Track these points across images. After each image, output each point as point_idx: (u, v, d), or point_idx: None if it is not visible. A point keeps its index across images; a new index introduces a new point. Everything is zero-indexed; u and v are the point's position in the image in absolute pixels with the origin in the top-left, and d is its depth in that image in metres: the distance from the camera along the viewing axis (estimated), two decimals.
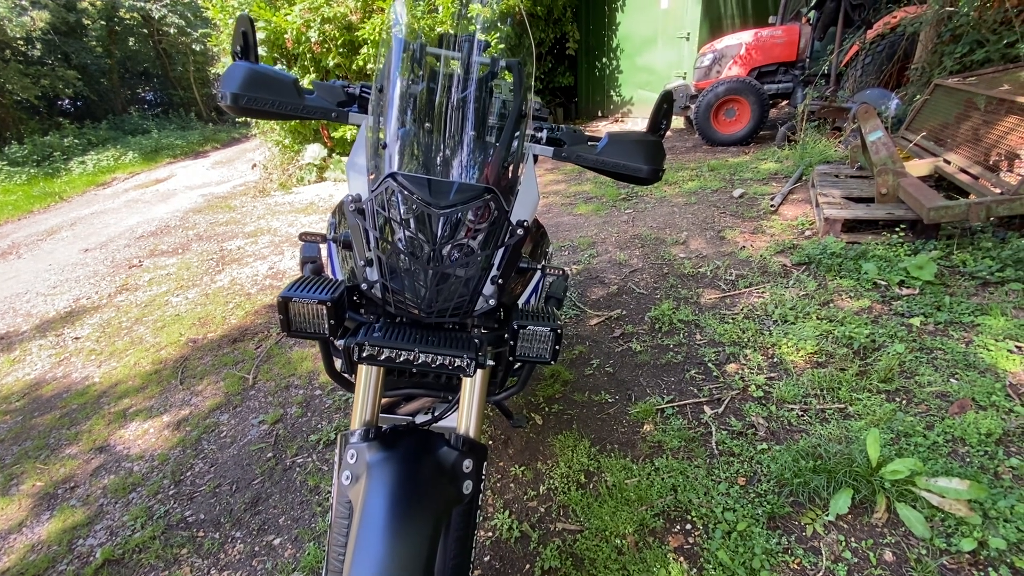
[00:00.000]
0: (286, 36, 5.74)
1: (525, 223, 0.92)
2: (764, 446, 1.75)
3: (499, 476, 1.78)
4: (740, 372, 2.12)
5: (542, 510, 1.64)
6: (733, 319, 2.47)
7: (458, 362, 0.89)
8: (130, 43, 16.50)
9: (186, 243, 4.79)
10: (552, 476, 1.75)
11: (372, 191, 0.87)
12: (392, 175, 0.85)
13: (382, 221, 0.87)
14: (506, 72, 1.10)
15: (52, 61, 13.32)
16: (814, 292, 2.57)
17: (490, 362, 0.93)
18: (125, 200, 7.29)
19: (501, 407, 1.48)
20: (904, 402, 1.85)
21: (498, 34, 1.11)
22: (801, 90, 5.63)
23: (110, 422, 2.33)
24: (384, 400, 1.28)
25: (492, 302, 0.94)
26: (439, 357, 0.89)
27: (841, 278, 2.64)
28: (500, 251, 0.92)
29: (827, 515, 1.48)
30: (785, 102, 6.33)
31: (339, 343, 0.93)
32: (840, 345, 2.16)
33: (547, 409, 2.06)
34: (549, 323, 0.95)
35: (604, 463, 1.77)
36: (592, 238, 3.66)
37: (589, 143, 1.18)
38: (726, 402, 1.98)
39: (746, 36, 5.77)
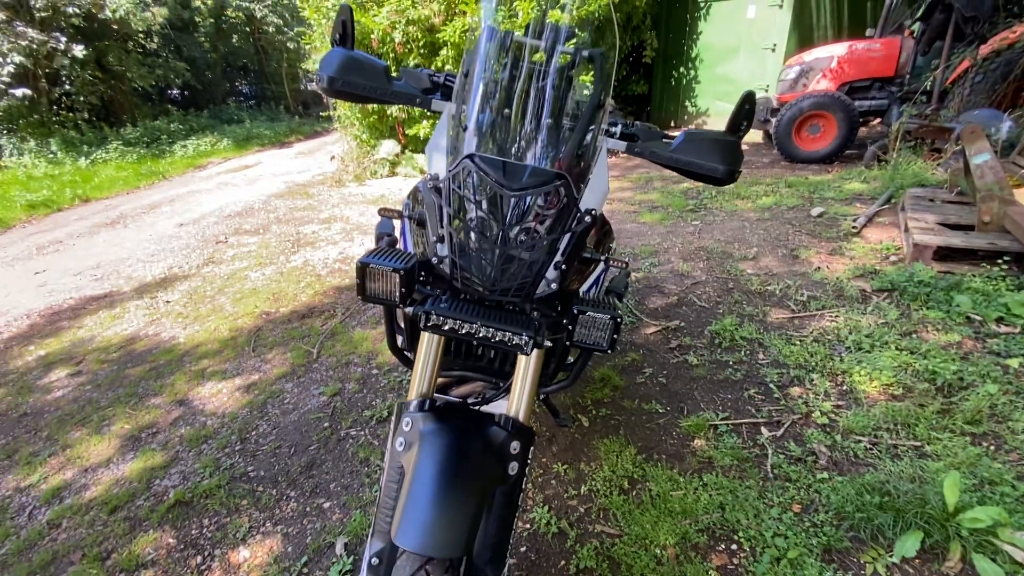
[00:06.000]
0: (372, 36, 6.04)
1: (593, 212, 0.93)
2: (824, 475, 1.65)
3: (541, 471, 1.79)
4: (804, 396, 2.01)
5: (582, 510, 1.63)
6: (801, 341, 2.34)
7: (516, 339, 0.91)
8: (233, 40, 17.94)
9: (267, 224, 5.14)
10: (595, 478, 1.73)
11: (450, 170, 0.91)
12: (470, 156, 0.88)
13: (456, 200, 0.91)
14: (587, 65, 1.11)
15: (166, 53, 14.72)
16: (895, 321, 2.38)
17: (547, 343, 0.94)
18: (217, 182, 7.92)
19: (548, 404, 1.49)
20: (992, 448, 1.68)
21: (575, 40, 1.12)
22: (897, 108, 5.23)
23: (190, 379, 2.54)
24: (439, 380, 1.32)
25: (554, 286, 0.95)
26: (499, 332, 0.91)
27: (928, 308, 2.43)
28: (566, 237, 0.93)
29: (891, 556, 1.37)
30: (877, 120, 5.91)
31: (408, 311, 0.97)
32: (921, 380, 1.99)
33: (594, 412, 2.04)
34: (609, 311, 0.95)
35: (649, 472, 1.73)
36: (655, 247, 3.59)
37: (664, 140, 1.17)
38: (786, 426, 1.88)
39: (839, 49, 5.45)
